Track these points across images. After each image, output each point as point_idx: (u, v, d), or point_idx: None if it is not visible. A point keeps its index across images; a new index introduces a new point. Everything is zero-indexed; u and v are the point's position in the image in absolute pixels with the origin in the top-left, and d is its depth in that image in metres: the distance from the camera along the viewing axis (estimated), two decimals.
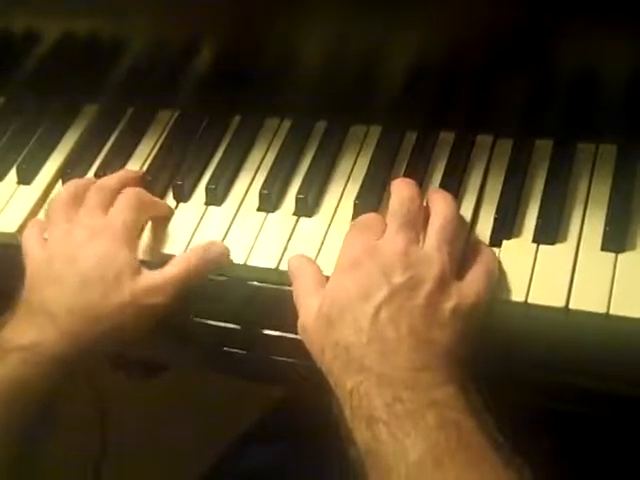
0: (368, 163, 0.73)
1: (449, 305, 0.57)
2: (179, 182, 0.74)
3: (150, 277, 0.64)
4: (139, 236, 0.69)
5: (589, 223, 0.65)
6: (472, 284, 0.59)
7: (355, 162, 0.74)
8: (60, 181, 0.77)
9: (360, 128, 0.77)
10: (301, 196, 0.70)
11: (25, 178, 0.78)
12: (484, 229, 0.66)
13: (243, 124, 0.79)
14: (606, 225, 0.64)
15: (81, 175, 0.77)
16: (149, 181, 0.74)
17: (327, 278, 0.62)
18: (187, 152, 0.78)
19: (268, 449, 0.83)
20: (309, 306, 0.60)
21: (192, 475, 0.86)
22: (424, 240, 0.61)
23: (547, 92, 0.71)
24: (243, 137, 0.78)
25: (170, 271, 0.65)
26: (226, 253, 0.67)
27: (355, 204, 0.69)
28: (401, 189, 0.64)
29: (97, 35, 0.81)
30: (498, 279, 0.62)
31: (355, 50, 0.75)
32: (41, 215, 0.75)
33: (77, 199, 0.69)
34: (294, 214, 0.70)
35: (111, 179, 0.72)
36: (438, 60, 0.73)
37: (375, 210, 0.68)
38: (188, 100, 0.82)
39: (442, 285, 0.57)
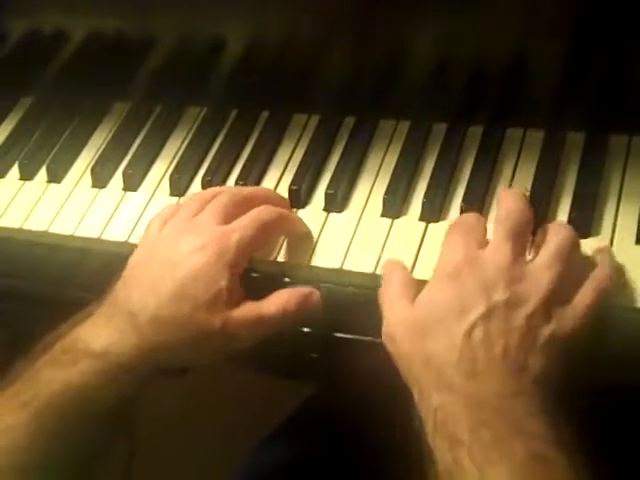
0: (397, 157, 0.73)
1: (548, 330, 0.53)
2: (208, 178, 0.74)
3: (246, 310, 0.60)
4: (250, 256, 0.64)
5: (622, 217, 0.64)
6: (576, 309, 0.55)
7: (384, 157, 0.74)
8: (90, 179, 0.78)
9: (389, 123, 0.76)
10: (331, 191, 0.70)
11: (55, 177, 0.78)
12: None
13: (271, 120, 0.79)
14: None
15: (111, 172, 0.78)
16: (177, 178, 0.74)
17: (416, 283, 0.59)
18: (215, 148, 0.78)
19: (294, 446, 0.83)
20: (396, 314, 0.57)
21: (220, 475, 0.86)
22: (533, 256, 0.57)
23: (578, 84, 0.70)
24: (271, 133, 0.78)
25: (268, 309, 0.61)
26: (319, 307, 0.63)
27: (384, 199, 0.69)
28: (510, 200, 0.60)
29: (124, 34, 0.82)
30: None
31: (382, 46, 0.74)
32: (69, 214, 0.75)
33: (202, 205, 0.65)
34: (324, 209, 0.70)
35: (252, 190, 0.68)
36: (465, 54, 0.72)
37: (403, 203, 0.68)
38: (216, 97, 0.82)
39: (545, 307, 0.54)
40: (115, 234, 0.72)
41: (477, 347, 0.53)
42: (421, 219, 0.67)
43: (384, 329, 0.58)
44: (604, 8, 0.65)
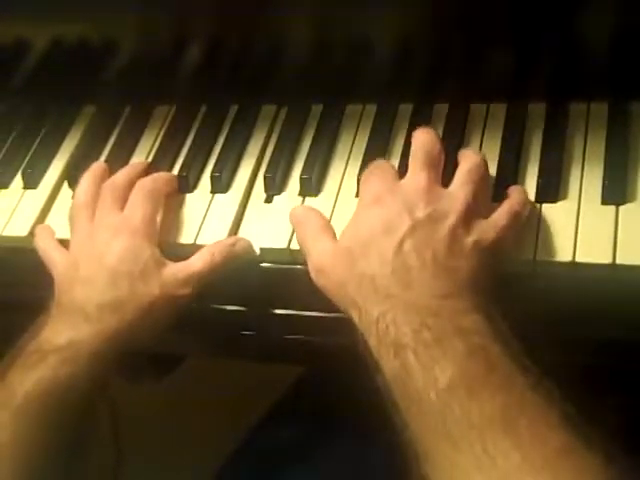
0: (367, 139, 0.75)
1: (471, 239, 0.58)
2: (184, 174, 0.75)
3: (176, 270, 0.66)
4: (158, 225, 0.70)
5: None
6: (494, 222, 0.60)
7: (354, 140, 0.76)
8: (66, 182, 0.79)
9: (356, 107, 0.78)
10: (305, 176, 0.72)
11: (31, 182, 0.79)
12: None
13: (241, 113, 0.80)
14: None
15: None
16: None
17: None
18: (188, 144, 0.79)
19: (287, 429, 0.85)
20: (321, 247, 0.62)
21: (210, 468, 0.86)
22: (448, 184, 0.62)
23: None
24: (242, 125, 0.79)
25: (195, 264, 0.66)
26: (249, 249, 0.69)
27: (359, 179, 0.70)
28: (421, 135, 0.66)
29: (88, 38, 0.82)
30: (544, 240, 0.63)
31: (342, 32, 0.76)
32: (49, 219, 0.77)
33: (93, 200, 0.70)
34: (300, 194, 0.72)
35: (120, 176, 0.72)
36: (425, 34, 0.74)
37: None
38: (184, 94, 0.83)
39: (465, 220, 0.59)
40: None
41: (408, 258, 0.57)
42: None
43: (311, 264, 0.62)
44: None
